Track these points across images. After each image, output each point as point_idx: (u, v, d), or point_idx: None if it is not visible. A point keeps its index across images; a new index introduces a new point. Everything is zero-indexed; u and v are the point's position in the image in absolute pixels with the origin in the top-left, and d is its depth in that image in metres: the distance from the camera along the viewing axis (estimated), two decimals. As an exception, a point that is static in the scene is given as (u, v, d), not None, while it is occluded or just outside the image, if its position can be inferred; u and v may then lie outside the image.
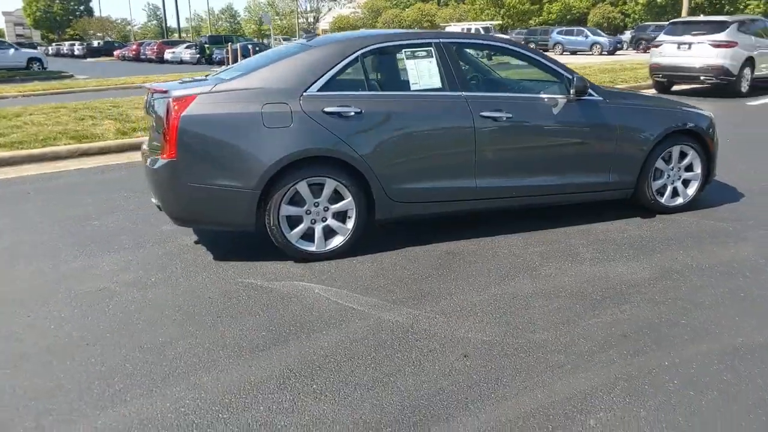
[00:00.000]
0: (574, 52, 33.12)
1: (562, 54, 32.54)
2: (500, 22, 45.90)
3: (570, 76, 4.28)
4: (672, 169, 4.68)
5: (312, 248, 3.84)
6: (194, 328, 3.03)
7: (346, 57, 3.86)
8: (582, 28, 35.06)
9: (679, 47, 12.93)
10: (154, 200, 3.96)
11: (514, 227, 4.41)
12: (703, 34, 12.72)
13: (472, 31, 40.39)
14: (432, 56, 4.03)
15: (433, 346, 2.81)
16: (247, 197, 3.65)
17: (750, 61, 12.54)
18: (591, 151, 4.38)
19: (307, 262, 3.83)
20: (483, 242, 4.16)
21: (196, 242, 4.25)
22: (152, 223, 4.64)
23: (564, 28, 35.51)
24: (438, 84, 4.00)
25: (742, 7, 43.74)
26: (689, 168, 4.74)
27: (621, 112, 4.45)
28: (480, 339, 2.88)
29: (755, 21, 13.78)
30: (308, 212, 3.79)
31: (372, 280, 3.57)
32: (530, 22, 51.83)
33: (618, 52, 32.23)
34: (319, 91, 3.75)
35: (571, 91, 4.23)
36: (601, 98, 4.37)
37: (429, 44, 4.06)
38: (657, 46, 13.48)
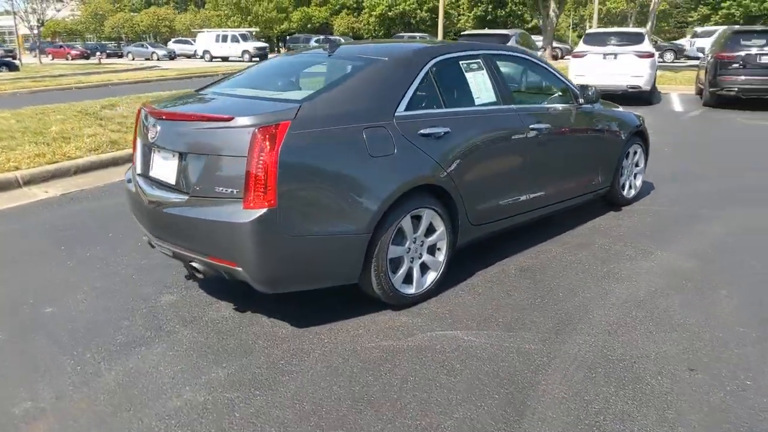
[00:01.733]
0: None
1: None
2: (253, 29, 45.36)
3: (572, 86, 4.53)
4: (629, 166, 5.29)
5: (411, 291, 3.35)
6: (397, 416, 2.40)
7: (421, 70, 3.44)
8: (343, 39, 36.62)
9: (604, 57, 13.05)
10: (196, 263, 3.00)
11: (532, 235, 4.50)
12: (626, 44, 13.10)
13: (229, 37, 39.35)
14: (483, 68, 3.85)
15: (658, 369, 2.72)
16: (358, 243, 3.01)
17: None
18: (593, 154, 4.70)
19: (409, 308, 3.33)
20: (534, 254, 4.14)
21: (252, 312, 3.35)
22: (202, 303, 3.50)
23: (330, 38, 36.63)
24: (493, 98, 3.84)
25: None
26: (637, 163, 5.41)
27: (606, 117, 4.87)
28: (673, 352, 2.88)
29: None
30: (408, 250, 3.30)
31: (484, 311, 3.29)
32: (275, 29, 52.34)
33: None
34: (406, 110, 3.27)
35: (580, 100, 4.47)
36: (593, 105, 4.70)
37: (478, 56, 3.86)
38: (581, 56, 13.44)
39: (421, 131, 3.26)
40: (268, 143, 2.72)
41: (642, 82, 12.86)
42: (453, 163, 3.40)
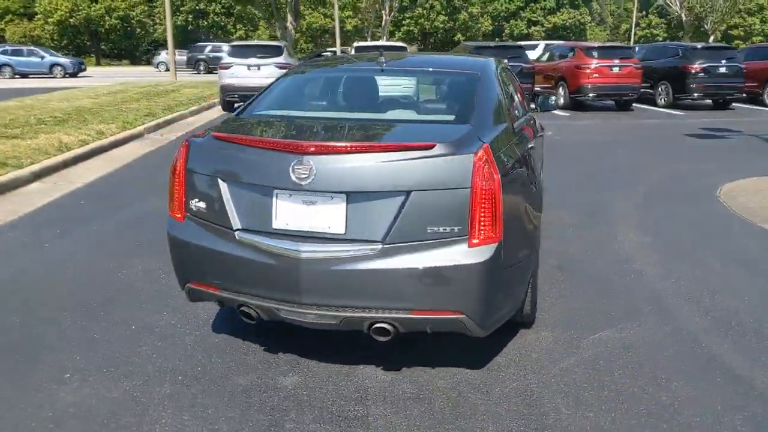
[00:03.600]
0: (25, 75, 28.71)
1: (13, 77, 27.85)
2: None
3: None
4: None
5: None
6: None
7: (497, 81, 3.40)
8: (35, 48, 30.62)
9: (249, 68, 14.07)
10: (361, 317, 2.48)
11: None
12: (267, 56, 14.31)
13: None
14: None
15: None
16: (530, 265, 2.89)
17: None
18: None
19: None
20: (556, 250, 4.42)
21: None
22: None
23: (10, 47, 30.07)
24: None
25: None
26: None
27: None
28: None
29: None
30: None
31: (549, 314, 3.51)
32: None
33: (81, 74, 29.96)
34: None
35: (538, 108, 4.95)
36: None
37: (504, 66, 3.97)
38: (227, 68, 14.14)
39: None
40: (487, 169, 2.43)
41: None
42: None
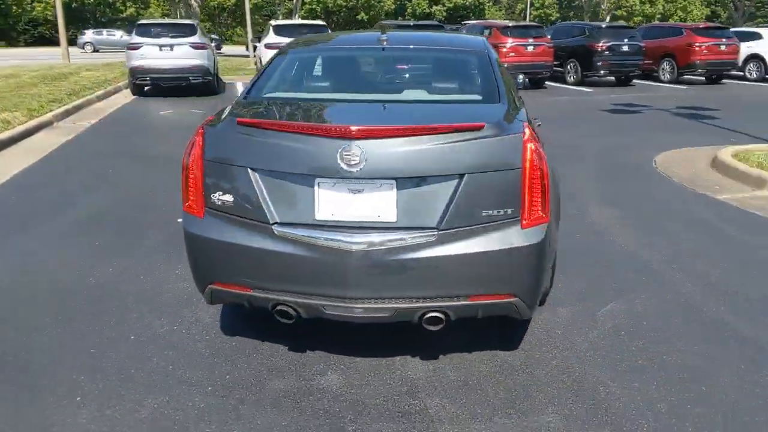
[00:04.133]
0: None
1: None
2: None
3: None
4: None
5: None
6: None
7: None
8: None
9: (161, 49, 13.14)
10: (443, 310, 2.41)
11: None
12: (180, 36, 13.40)
13: None
14: None
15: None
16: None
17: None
18: None
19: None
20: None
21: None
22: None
23: None
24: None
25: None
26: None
27: None
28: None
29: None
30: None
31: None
32: None
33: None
34: None
35: None
36: None
37: None
38: (135, 48, 13.14)
39: None
40: (535, 149, 2.41)
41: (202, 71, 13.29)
42: None
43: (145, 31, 13.51)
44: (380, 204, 2.35)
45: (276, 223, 2.40)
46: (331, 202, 2.37)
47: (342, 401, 2.46)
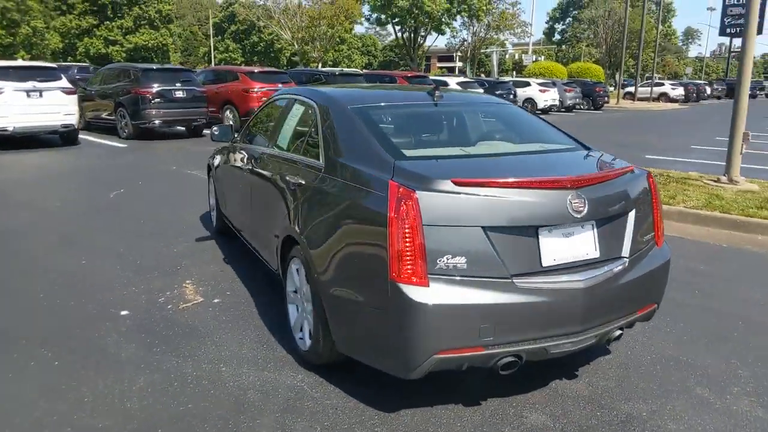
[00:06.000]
0: None
1: None
2: None
3: None
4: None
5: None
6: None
7: None
8: None
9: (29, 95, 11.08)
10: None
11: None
12: (47, 80, 11.50)
13: None
14: None
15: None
16: None
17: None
18: None
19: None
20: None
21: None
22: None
23: None
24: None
25: None
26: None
27: None
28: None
29: None
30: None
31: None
32: None
33: None
34: None
35: None
36: None
37: None
38: None
39: None
40: (653, 183, 3.05)
41: (74, 120, 12.20)
42: None
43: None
44: (585, 243, 2.65)
45: (514, 275, 2.48)
46: (551, 248, 2.56)
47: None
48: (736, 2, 27.18)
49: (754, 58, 8.98)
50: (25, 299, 4.04)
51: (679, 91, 39.43)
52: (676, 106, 35.40)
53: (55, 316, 3.76)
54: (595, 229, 2.68)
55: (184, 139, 13.89)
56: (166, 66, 16.16)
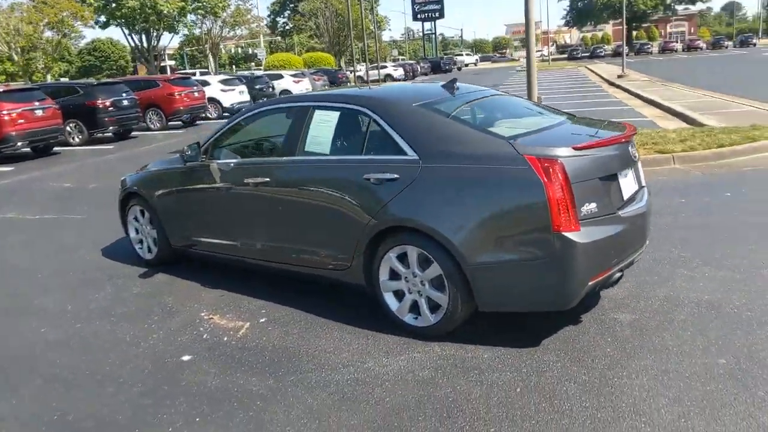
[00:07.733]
0: None
1: None
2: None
3: None
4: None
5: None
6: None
7: None
8: None
9: None
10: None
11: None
12: None
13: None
14: None
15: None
16: None
17: None
18: None
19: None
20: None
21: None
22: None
23: None
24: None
25: None
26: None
27: None
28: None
29: None
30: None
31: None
32: None
33: None
34: None
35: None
36: None
37: None
38: None
39: None
40: None
41: None
42: None
43: None
44: (632, 179, 3.56)
45: (618, 209, 3.27)
46: (624, 186, 3.41)
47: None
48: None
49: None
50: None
51: (400, 72, 44.55)
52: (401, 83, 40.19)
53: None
54: (632, 169, 3.61)
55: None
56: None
